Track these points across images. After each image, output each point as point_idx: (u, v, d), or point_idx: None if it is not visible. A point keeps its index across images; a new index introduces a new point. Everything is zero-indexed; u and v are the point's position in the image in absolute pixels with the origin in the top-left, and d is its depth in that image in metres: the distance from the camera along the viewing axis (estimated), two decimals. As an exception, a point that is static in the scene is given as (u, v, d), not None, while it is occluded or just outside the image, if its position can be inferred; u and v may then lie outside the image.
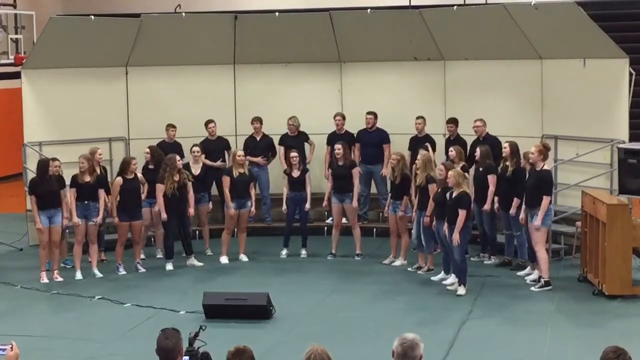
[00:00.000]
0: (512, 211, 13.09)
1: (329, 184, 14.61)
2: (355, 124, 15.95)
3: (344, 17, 16.56)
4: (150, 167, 14.29)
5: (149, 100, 16.31)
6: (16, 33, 22.65)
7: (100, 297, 12.38)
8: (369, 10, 16.18)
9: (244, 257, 14.49)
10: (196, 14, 19.07)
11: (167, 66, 16.41)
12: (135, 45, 16.17)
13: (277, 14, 16.45)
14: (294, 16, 17.26)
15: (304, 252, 14.70)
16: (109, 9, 21.75)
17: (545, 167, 12.55)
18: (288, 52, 16.54)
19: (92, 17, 15.96)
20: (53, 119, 15.71)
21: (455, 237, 12.13)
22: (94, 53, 15.81)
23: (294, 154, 14.69)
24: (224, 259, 14.35)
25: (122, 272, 13.68)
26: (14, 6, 23.39)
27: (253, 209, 14.60)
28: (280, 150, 15.90)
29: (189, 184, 14.05)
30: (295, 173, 14.58)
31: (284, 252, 14.71)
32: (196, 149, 14.75)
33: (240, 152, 14.64)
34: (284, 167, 15.21)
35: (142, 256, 14.23)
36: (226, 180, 14.34)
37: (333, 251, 14.53)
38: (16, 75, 17.25)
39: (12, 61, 21.28)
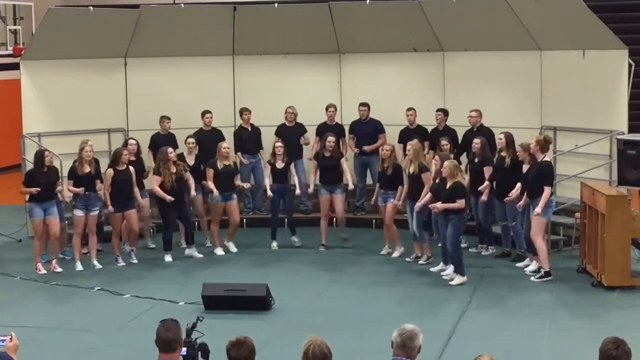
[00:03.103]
0: (512, 197, 13.01)
1: (312, 175, 14.62)
2: (354, 115, 15.96)
3: (343, 8, 16.53)
4: (132, 159, 14.14)
5: (147, 91, 16.30)
6: (15, 24, 22.59)
7: (99, 288, 12.39)
8: (368, 1, 16.15)
9: (232, 247, 14.42)
10: (195, 5, 19.03)
11: (166, 57, 16.39)
12: (134, 37, 16.15)
13: (276, 5, 16.42)
14: (293, 7, 17.23)
15: (295, 239, 14.66)
16: (108, 0, 21.70)
17: (546, 159, 12.55)
18: (287, 43, 16.52)
19: (91, 8, 15.93)
20: (52, 110, 15.69)
21: (439, 206, 12.24)
22: (92, 44, 15.79)
23: (278, 144, 14.58)
24: (219, 251, 14.32)
25: (122, 263, 13.69)
26: (13, -3, 23.33)
27: (247, 184, 14.69)
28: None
29: (187, 174, 14.04)
30: (279, 164, 14.48)
31: (274, 244, 14.66)
32: (191, 140, 14.67)
33: (226, 144, 14.55)
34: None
35: (152, 245, 14.29)
36: (209, 172, 14.25)
37: (323, 242, 14.52)
38: (15, 67, 17.22)
39: (11, 52, 21.22)
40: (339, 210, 14.52)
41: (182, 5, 17.11)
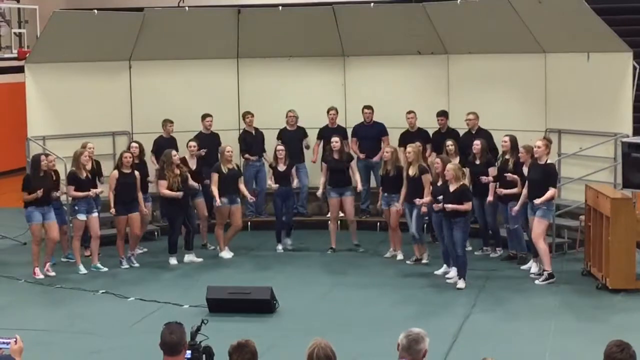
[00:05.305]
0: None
1: (323, 177, 14.58)
2: (358, 118, 15.97)
3: (347, 10, 16.55)
4: (135, 162, 14.14)
5: (152, 95, 16.32)
6: (19, 27, 22.66)
7: (103, 291, 12.40)
8: (372, 4, 16.16)
9: (227, 253, 14.33)
10: (199, 7, 19.07)
11: (170, 60, 16.42)
12: (139, 40, 16.17)
13: (280, 7, 16.44)
14: (297, 10, 17.24)
15: (289, 241, 14.65)
16: (112, 3, 21.71)
17: (549, 161, 12.57)
18: (291, 46, 16.53)
19: (95, 11, 15.97)
20: (56, 113, 15.71)
21: (450, 206, 12.16)
22: (97, 47, 15.81)
23: (280, 147, 14.63)
24: (225, 254, 14.28)
25: (125, 265, 13.70)
26: (18, 0, 23.39)
27: (250, 197, 14.53)
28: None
29: (189, 177, 14.02)
30: (281, 167, 14.50)
31: (279, 247, 14.67)
32: (192, 143, 14.66)
33: (230, 147, 14.53)
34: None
35: (139, 250, 14.29)
36: (214, 177, 14.22)
37: (332, 246, 14.52)
38: (19, 70, 17.24)
39: (16, 55, 21.28)
40: (349, 213, 14.52)
41: (187, 8, 17.14)
